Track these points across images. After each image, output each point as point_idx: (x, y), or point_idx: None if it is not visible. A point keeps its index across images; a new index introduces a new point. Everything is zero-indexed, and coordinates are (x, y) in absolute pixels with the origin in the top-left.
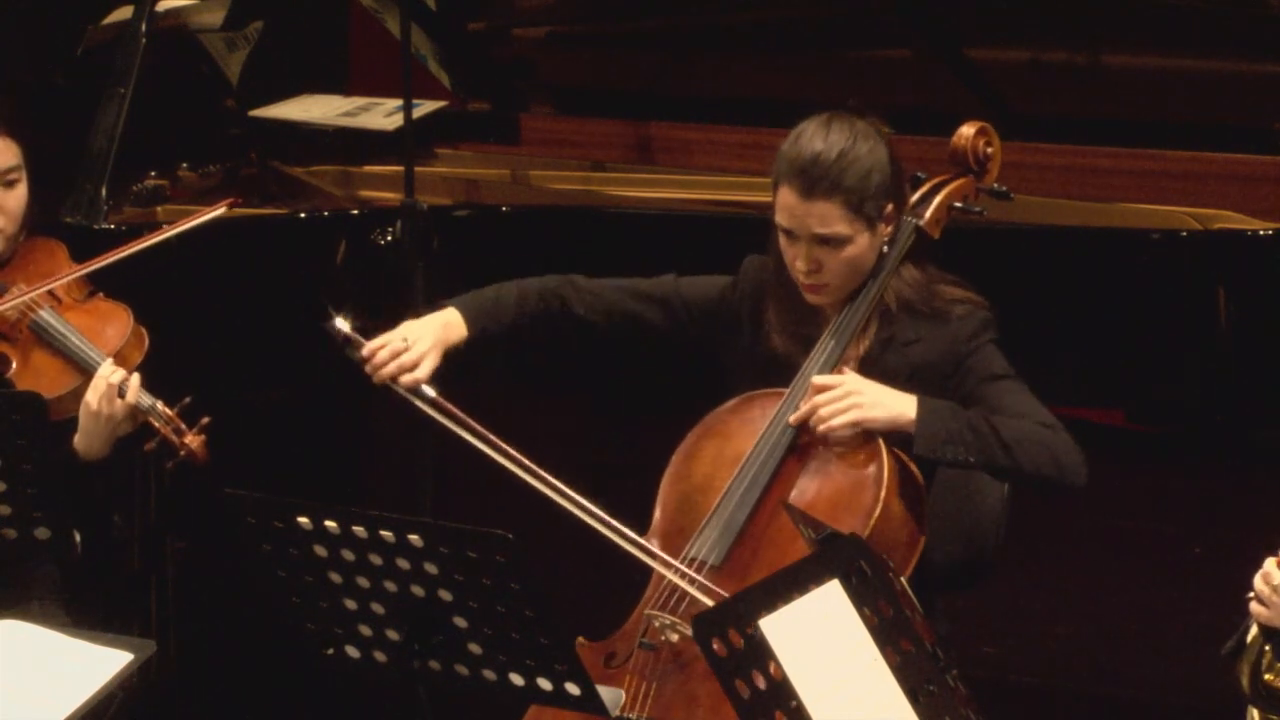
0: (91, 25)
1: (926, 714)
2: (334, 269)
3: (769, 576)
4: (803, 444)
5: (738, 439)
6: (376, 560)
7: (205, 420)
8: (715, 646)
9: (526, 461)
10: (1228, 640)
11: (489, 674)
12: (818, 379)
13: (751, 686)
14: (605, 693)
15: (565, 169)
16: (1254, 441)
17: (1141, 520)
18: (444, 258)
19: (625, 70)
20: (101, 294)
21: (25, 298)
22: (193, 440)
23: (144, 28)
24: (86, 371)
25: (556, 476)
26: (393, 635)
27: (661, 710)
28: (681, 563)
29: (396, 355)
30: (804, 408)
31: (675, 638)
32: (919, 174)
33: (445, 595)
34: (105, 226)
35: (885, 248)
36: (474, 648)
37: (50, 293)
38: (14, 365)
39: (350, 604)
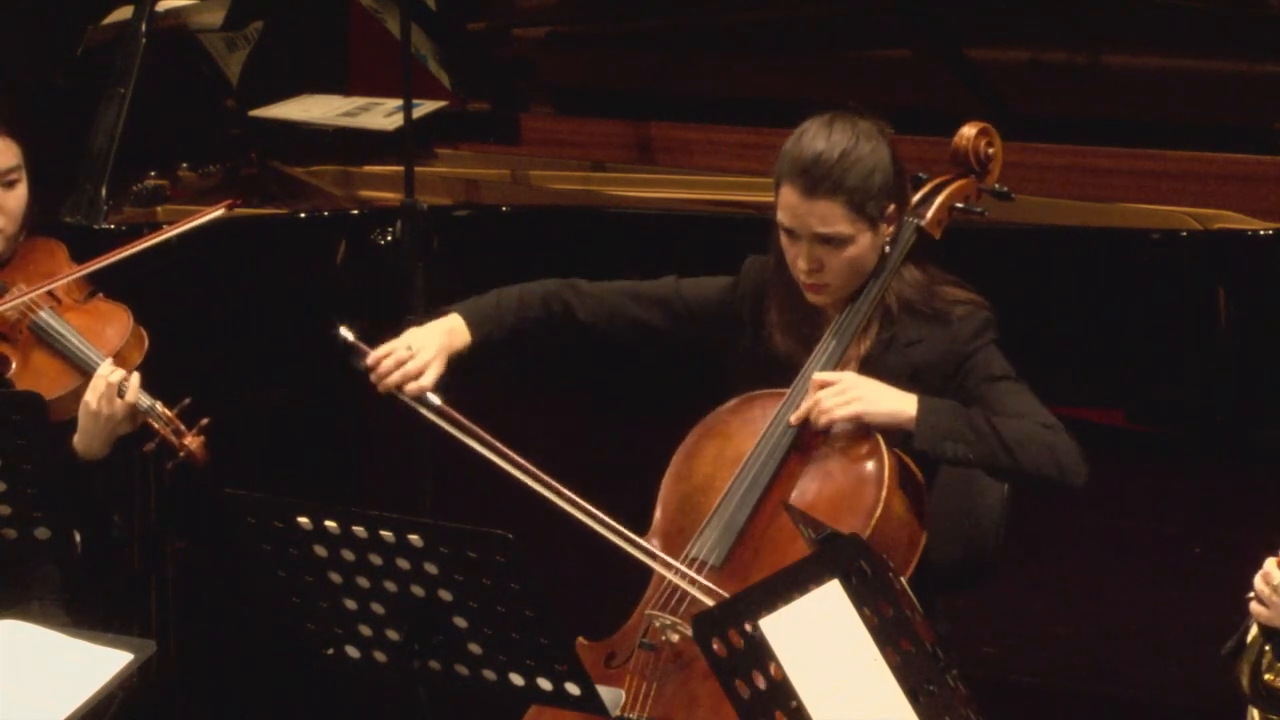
0: (91, 25)
1: (926, 714)
2: (334, 269)
3: (769, 576)
4: (804, 444)
5: (738, 439)
6: (376, 560)
7: (205, 421)
8: (715, 646)
9: (533, 469)
10: (1228, 640)
11: (489, 674)
12: (819, 375)
13: (751, 686)
14: (605, 693)
15: (565, 169)
16: (1254, 441)
17: (1141, 520)
18: (444, 258)
19: (625, 70)
20: (101, 294)
21: (25, 298)
22: (192, 441)
23: (144, 28)
24: (86, 372)
25: (557, 476)
26: (393, 635)
27: (662, 710)
28: (682, 563)
29: (401, 364)
30: (805, 404)
31: (675, 638)
32: (920, 174)
33: (445, 595)
34: (105, 226)
35: (887, 248)
36: (474, 648)
37: (50, 293)
38: (14, 366)
39: (350, 604)
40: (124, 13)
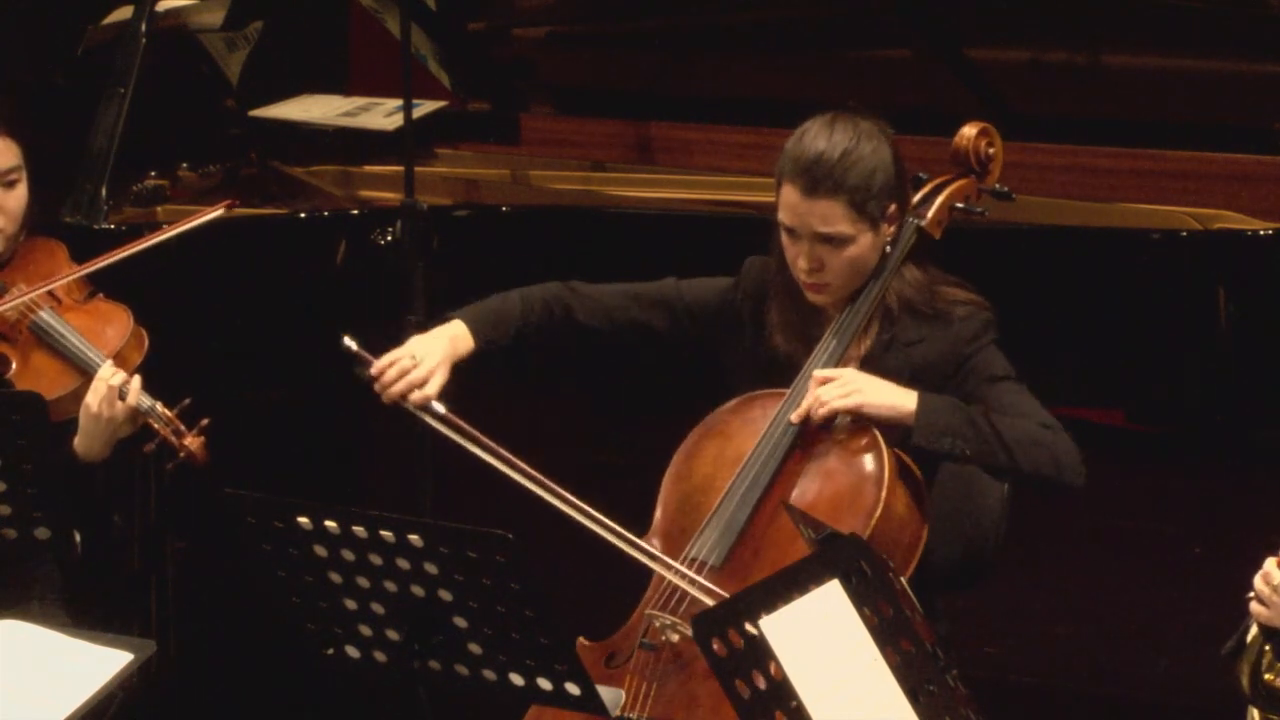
0: (91, 25)
1: (926, 714)
2: (334, 269)
3: (769, 576)
4: (804, 444)
5: (739, 439)
6: (376, 560)
7: (205, 422)
8: (715, 646)
9: (540, 477)
10: (1228, 640)
11: (489, 674)
12: (819, 371)
13: (751, 686)
14: (605, 693)
15: (565, 169)
16: (1254, 441)
17: (1141, 520)
18: (444, 258)
19: (625, 70)
20: (101, 295)
21: (25, 298)
22: (192, 442)
23: (144, 28)
24: (86, 372)
25: (557, 476)
26: (393, 635)
27: (662, 710)
28: (682, 563)
29: (405, 373)
30: (805, 401)
31: (676, 638)
32: (920, 174)
33: (445, 595)
34: (105, 226)
35: (887, 248)
36: (474, 648)
37: (50, 293)
38: (14, 366)
39: (350, 604)
40: (124, 13)
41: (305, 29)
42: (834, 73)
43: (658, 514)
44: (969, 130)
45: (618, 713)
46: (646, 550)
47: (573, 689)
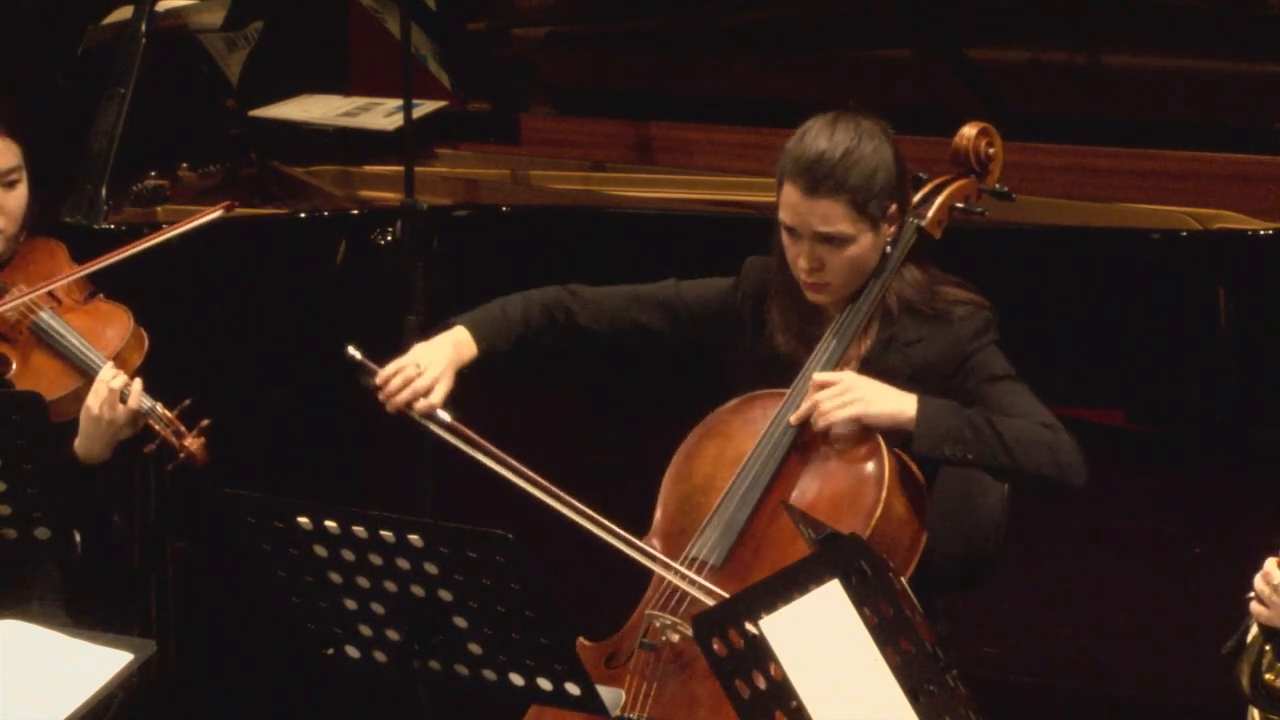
0: (91, 25)
1: (926, 714)
2: (334, 269)
3: (769, 576)
4: (804, 444)
5: (739, 439)
6: (376, 560)
7: (205, 423)
8: (715, 646)
9: (546, 484)
10: (1228, 640)
11: (489, 674)
12: (819, 375)
13: (752, 686)
14: (605, 693)
15: (565, 169)
16: (1254, 441)
17: (1141, 520)
18: (444, 258)
19: (625, 70)
20: (102, 295)
21: (25, 299)
22: (193, 443)
23: (144, 28)
24: (87, 373)
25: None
26: (393, 635)
27: (662, 710)
28: (682, 563)
29: (409, 382)
30: (805, 405)
31: (676, 638)
32: (920, 174)
33: (445, 595)
34: (105, 226)
35: (888, 248)
36: (474, 648)
37: (50, 294)
38: (14, 367)
39: (350, 604)
40: (124, 13)
41: (305, 29)
42: (834, 73)
43: (658, 514)
44: (969, 130)
45: (618, 713)
46: (654, 556)
47: (573, 689)
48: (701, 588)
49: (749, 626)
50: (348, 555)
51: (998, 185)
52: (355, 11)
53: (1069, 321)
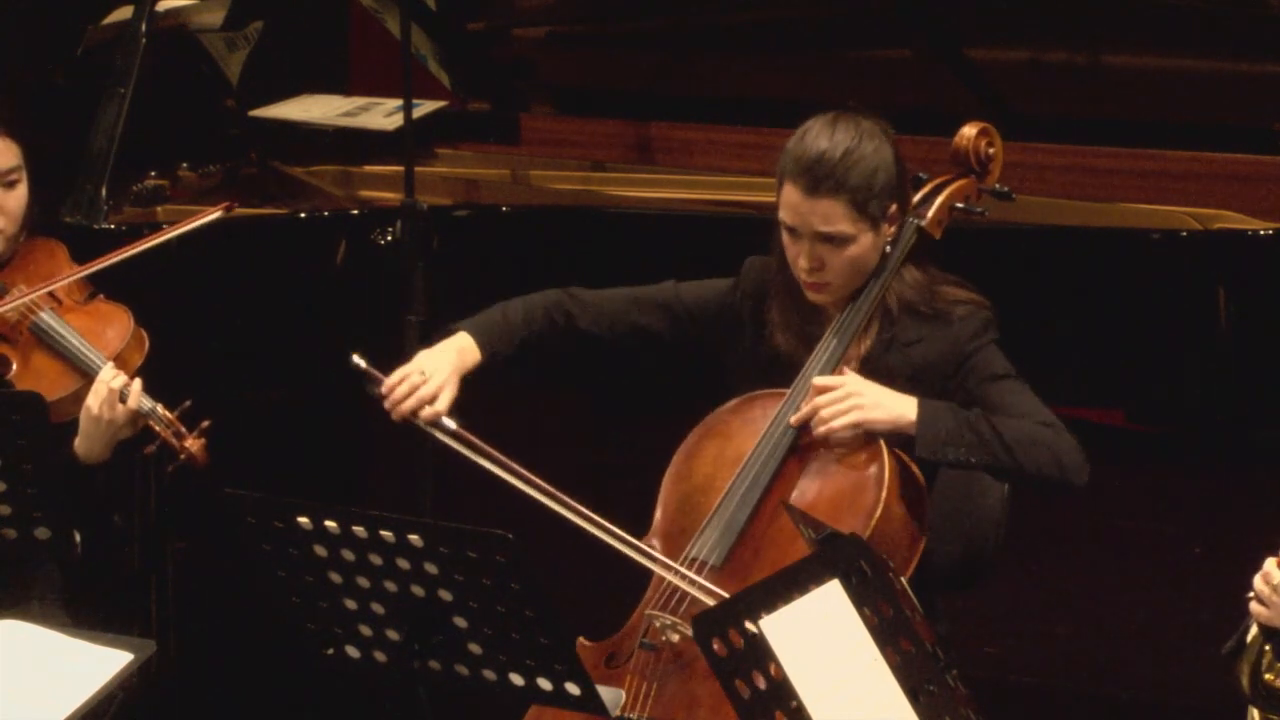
0: (91, 25)
1: (926, 714)
2: (334, 269)
3: (769, 576)
4: (804, 444)
5: (739, 439)
6: (376, 560)
7: (205, 424)
8: (715, 646)
9: (553, 490)
10: (1228, 640)
11: (489, 674)
12: (819, 380)
13: (751, 686)
14: (605, 693)
15: (565, 169)
16: (1254, 441)
17: (1141, 520)
18: (444, 258)
19: (625, 70)
20: (102, 296)
21: (26, 299)
22: (193, 444)
23: (144, 28)
24: (87, 374)
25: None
26: (393, 635)
27: (662, 710)
28: (682, 562)
29: (415, 389)
30: (805, 409)
31: (676, 638)
32: (920, 174)
33: (445, 595)
34: (105, 226)
35: (888, 248)
36: (474, 648)
37: (51, 294)
38: (14, 367)
39: (350, 604)
40: (124, 13)
41: (305, 29)
42: (834, 73)
43: (658, 514)
44: (969, 130)
45: (618, 713)
46: (657, 558)
47: (573, 689)
48: (702, 588)
49: (749, 626)
50: (348, 555)
51: (998, 185)
52: (355, 11)
53: (1069, 321)
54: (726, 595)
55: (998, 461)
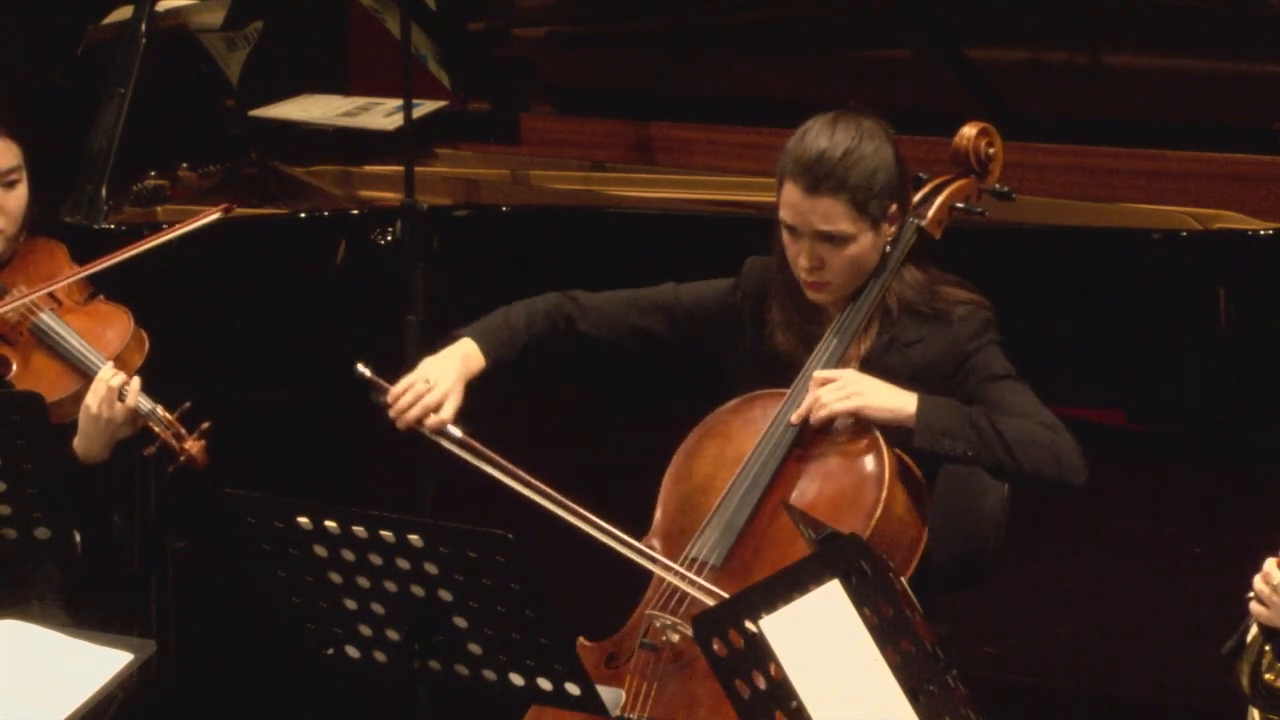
0: (91, 25)
1: (926, 714)
2: (334, 269)
3: (769, 576)
4: (804, 444)
5: (739, 439)
6: (376, 560)
7: (205, 425)
8: (715, 646)
9: (560, 497)
10: (1228, 640)
11: (489, 674)
12: (819, 372)
13: (751, 686)
14: (605, 693)
15: (565, 169)
16: (1254, 441)
17: (1141, 520)
18: (444, 258)
19: (625, 70)
20: (102, 296)
21: (26, 300)
22: (193, 445)
23: (144, 28)
24: (87, 375)
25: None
26: (393, 635)
27: (662, 710)
28: (682, 563)
29: (419, 398)
30: (805, 402)
31: (676, 638)
32: (921, 174)
33: (445, 595)
34: (105, 226)
35: (888, 248)
36: (474, 648)
37: (51, 295)
38: (14, 368)
39: (350, 604)
40: (124, 13)
41: (305, 29)
42: (834, 73)
43: (658, 514)
44: (969, 130)
45: (618, 713)
46: (660, 560)
47: (573, 689)
48: (702, 588)
49: (749, 626)
50: (348, 555)
51: (998, 185)
52: (355, 11)
53: (1069, 321)
54: (726, 595)
55: (996, 459)
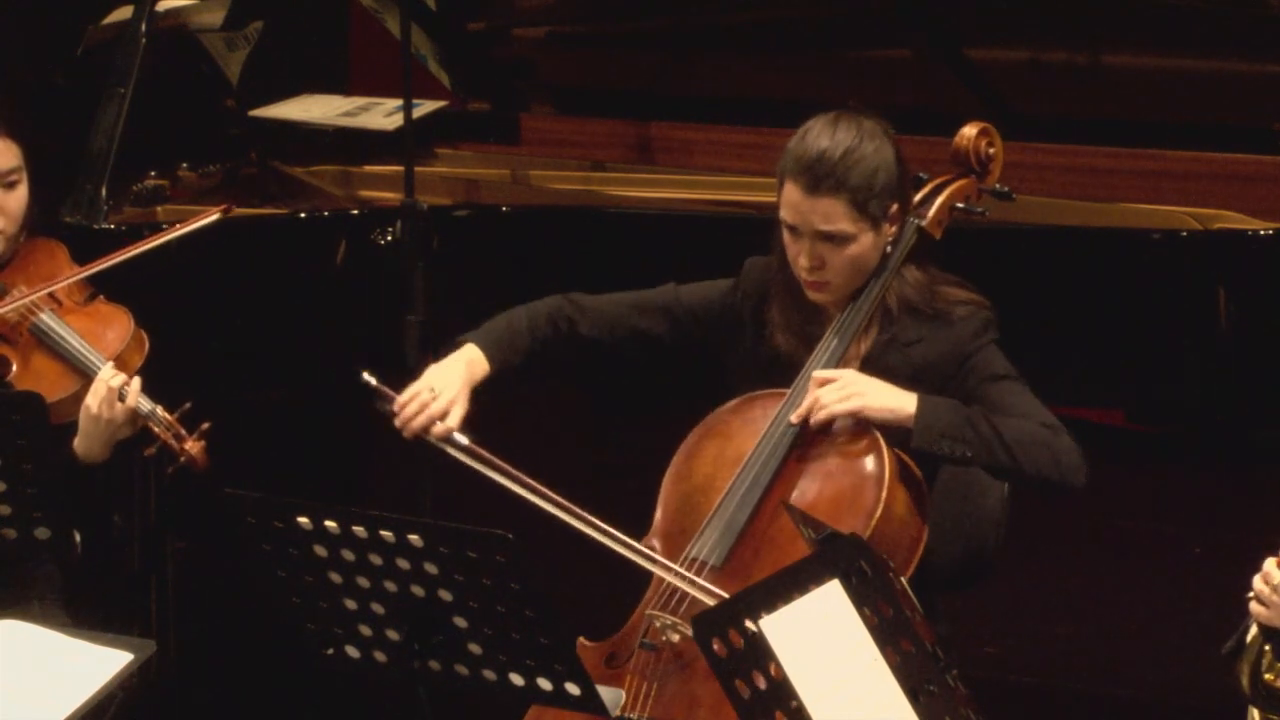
0: (91, 25)
1: (926, 714)
2: (334, 269)
3: (769, 576)
4: (804, 444)
5: (739, 439)
6: (376, 560)
7: (205, 426)
8: (715, 646)
9: (568, 504)
10: (1228, 640)
11: (489, 674)
12: (819, 372)
13: (751, 686)
14: (605, 693)
15: (565, 169)
16: (1254, 441)
17: (1141, 520)
18: (444, 258)
19: (625, 70)
20: (102, 297)
21: (26, 300)
22: (193, 446)
23: (144, 28)
24: (87, 375)
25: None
26: (393, 635)
27: (662, 710)
28: (683, 563)
29: (425, 407)
30: (805, 402)
31: (676, 638)
32: (921, 174)
33: (445, 595)
34: (105, 226)
35: (888, 248)
36: (474, 648)
37: (51, 295)
38: (14, 368)
39: (350, 604)
40: (124, 13)
41: (305, 29)
42: (834, 73)
43: (658, 514)
44: (969, 130)
45: (618, 713)
46: (663, 564)
47: (573, 689)
48: (702, 588)
49: (749, 626)
50: (348, 555)
51: (998, 185)
52: (355, 11)
53: (1069, 321)
54: (727, 595)
55: (996, 459)
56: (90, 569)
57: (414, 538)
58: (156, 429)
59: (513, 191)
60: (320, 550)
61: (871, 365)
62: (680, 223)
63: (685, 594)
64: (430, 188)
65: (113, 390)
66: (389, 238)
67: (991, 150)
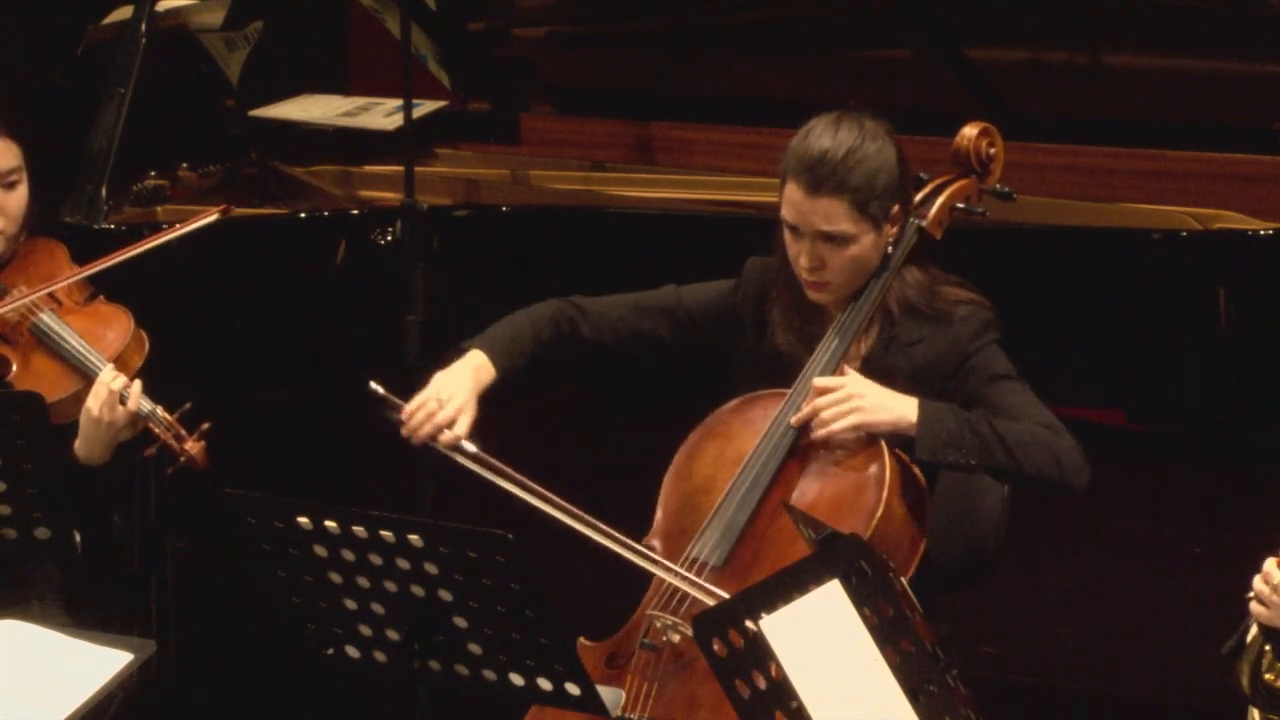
0: (91, 25)
1: (926, 714)
2: (334, 269)
3: (769, 577)
4: (805, 445)
5: (739, 439)
6: (376, 560)
7: (205, 426)
8: (715, 647)
9: (578, 511)
10: (1228, 640)
11: (489, 674)
12: (819, 381)
13: (752, 686)
14: (605, 693)
15: (565, 169)
16: (1254, 441)
17: (1141, 520)
18: (444, 258)
19: (625, 70)
20: (102, 297)
21: (26, 300)
22: (193, 447)
23: (144, 28)
24: (87, 376)
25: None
26: (393, 635)
27: (663, 710)
28: (683, 563)
29: (433, 415)
30: (805, 409)
31: (677, 638)
32: (921, 174)
33: (445, 595)
34: (105, 226)
35: (889, 248)
36: (474, 648)
37: (51, 295)
38: (14, 368)
39: (350, 604)
40: (124, 13)
41: (305, 29)
42: (834, 73)
43: (658, 514)
44: (969, 130)
45: (618, 713)
46: (664, 564)
47: (573, 689)
48: (702, 589)
49: (749, 626)
50: (348, 555)
51: (998, 185)
52: (355, 11)
53: (1069, 321)
54: (727, 595)
55: (998, 463)
56: (90, 569)
57: (414, 538)
58: (157, 429)
59: (513, 191)
60: (320, 550)
61: (872, 365)
62: (680, 223)
63: (685, 594)
64: (430, 188)
65: (114, 393)
66: (389, 238)
67: (992, 150)
